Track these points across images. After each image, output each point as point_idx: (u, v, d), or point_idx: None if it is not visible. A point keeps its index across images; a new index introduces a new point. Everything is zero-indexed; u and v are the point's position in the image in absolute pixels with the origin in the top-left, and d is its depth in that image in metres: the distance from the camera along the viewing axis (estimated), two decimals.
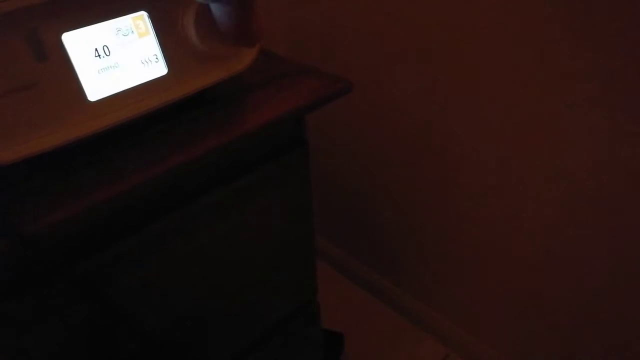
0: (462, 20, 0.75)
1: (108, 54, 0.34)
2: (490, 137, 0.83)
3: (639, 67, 0.61)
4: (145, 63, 0.36)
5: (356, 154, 1.10)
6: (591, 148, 0.71)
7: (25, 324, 0.35)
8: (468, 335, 1.13)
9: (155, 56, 0.36)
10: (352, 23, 0.92)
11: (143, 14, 0.35)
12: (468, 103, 0.82)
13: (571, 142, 0.73)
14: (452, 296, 1.11)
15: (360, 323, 1.29)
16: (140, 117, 0.36)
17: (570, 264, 0.83)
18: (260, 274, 0.52)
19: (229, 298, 0.51)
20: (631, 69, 0.62)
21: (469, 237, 0.97)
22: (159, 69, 0.36)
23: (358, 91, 0.99)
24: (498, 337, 1.06)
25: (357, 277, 1.36)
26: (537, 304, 0.93)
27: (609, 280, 0.80)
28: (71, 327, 0.38)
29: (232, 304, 0.51)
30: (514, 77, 0.74)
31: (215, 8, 0.35)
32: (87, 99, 0.33)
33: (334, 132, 1.12)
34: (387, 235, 1.17)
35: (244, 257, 0.49)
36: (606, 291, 0.81)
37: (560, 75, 0.69)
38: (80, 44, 0.33)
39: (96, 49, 0.33)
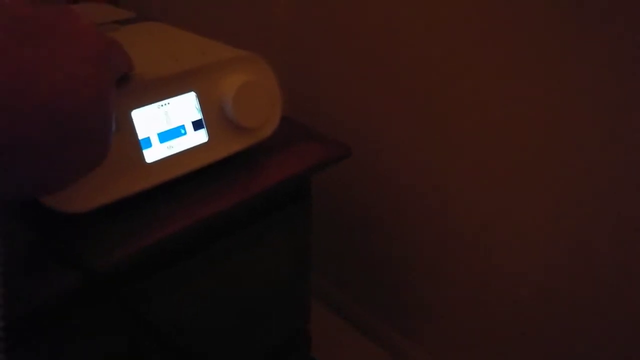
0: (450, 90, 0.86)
1: (163, 125, 0.43)
2: (479, 196, 0.92)
3: None
4: (191, 133, 0.45)
5: (349, 198, 1.19)
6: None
7: (76, 338, 0.43)
8: None
9: (199, 127, 0.45)
10: (343, 89, 1.02)
11: (192, 94, 0.44)
12: (449, 172, 0.92)
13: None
14: (438, 335, 1.17)
15: (338, 353, 1.36)
16: (184, 175, 0.45)
17: (565, 306, 0.86)
18: (263, 304, 0.61)
19: (234, 322, 0.59)
20: None
21: (454, 279, 1.05)
22: (201, 137, 0.45)
23: (354, 149, 1.08)
24: None
25: (337, 308, 1.43)
26: (528, 347, 0.98)
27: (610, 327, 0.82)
28: (113, 341, 0.45)
29: (236, 328, 0.59)
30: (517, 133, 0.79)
31: None
32: (145, 161, 0.42)
33: (334, 187, 1.21)
34: (376, 270, 1.25)
35: (250, 289, 0.58)
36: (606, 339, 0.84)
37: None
38: (143, 119, 0.42)
39: (155, 122, 0.42)
